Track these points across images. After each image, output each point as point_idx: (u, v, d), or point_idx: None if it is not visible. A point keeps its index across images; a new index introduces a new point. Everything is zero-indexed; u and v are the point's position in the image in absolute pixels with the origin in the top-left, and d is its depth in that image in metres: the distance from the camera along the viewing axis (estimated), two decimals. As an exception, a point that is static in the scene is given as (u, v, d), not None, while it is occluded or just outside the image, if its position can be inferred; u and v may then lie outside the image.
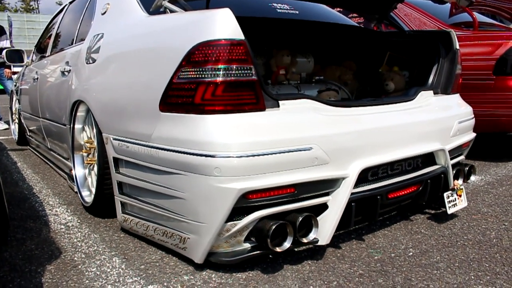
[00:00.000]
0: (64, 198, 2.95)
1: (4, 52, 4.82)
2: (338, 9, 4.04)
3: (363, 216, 2.07)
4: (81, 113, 2.69)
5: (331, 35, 3.21)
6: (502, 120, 3.63)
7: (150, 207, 1.97)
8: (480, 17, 4.49)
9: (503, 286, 1.73)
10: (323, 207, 1.90)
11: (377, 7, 3.17)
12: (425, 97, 2.39)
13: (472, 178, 2.55)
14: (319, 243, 1.88)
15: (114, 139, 2.13)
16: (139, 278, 1.81)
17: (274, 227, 1.69)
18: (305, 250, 2.04)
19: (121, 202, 2.19)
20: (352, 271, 1.86)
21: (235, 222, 1.72)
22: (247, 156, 1.63)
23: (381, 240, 2.18)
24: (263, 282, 1.76)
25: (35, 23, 25.34)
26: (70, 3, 3.75)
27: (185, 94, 1.72)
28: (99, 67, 2.38)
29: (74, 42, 3.07)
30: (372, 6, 3.18)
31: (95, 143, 2.42)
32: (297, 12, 3.08)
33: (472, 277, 1.80)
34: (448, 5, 4.18)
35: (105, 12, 2.59)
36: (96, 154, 2.43)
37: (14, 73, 6.42)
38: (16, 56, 4.79)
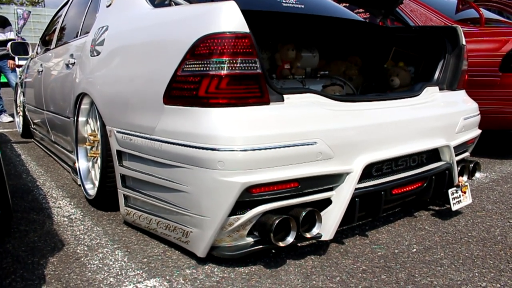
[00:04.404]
0: (68, 191, 2.95)
1: (9, 44, 4.82)
2: (344, 4, 4.01)
3: (367, 211, 2.06)
4: (85, 106, 2.69)
5: (336, 30, 3.19)
6: (507, 117, 3.61)
7: (153, 200, 1.97)
8: (486, 13, 4.45)
9: (508, 283, 1.72)
10: (327, 202, 1.89)
11: (383, 2, 3.14)
12: (431, 93, 2.37)
13: (477, 175, 2.53)
14: (322, 238, 1.87)
15: (118, 132, 2.12)
16: (141, 271, 1.81)
17: (277, 221, 1.68)
18: (308, 245, 2.03)
19: (124, 195, 2.19)
20: (355, 266, 1.85)
21: (238, 216, 1.71)
22: (251, 150, 1.62)
23: (385, 236, 2.17)
24: (266, 276, 1.76)
25: (40, 16, 25.34)
26: (75, -5, 3.74)
27: (189, 87, 1.71)
28: (104, 59, 2.37)
29: (78, 34, 3.07)
30: (378, 1, 3.16)
31: (99, 136, 2.42)
32: (302, 6, 3.05)
33: (476, 274, 1.79)
34: (455, 1, 4.14)
35: (110, 5, 2.58)
36: (99, 147, 2.42)
37: (19, 66, 6.43)
38: (21, 48, 4.80)
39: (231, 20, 1.67)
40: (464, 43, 2.56)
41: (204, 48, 1.67)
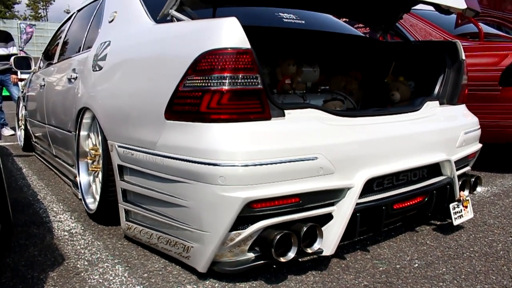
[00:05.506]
0: (68, 205, 2.95)
1: (12, 58, 4.86)
2: (344, 19, 4.05)
3: (368, 226, 2.06)
4: (86, 120, 2.70)
5: (336, 45, 3.21)
6: (508, 131, 3.61)
7: (154, 215, 1.96)
8: (486, 28, 4.49)
9: (510, 299, 1.71)
10: (328, 217, 1.88)
11: (383, 18, 3.17)
12: (431, 107, 2.38)
13: (478, 189, 2.52)
14: (323, 254, 1.86)
15: (119, 146, 2.13)
16: (142, 286, 1.80)
17: (278, 237, 1.68)
18: (309, 261, 2.02)
19: (125, 209, 2.18)
20: (356, 282, 1.84)
21: (239, 231, 1.71)
22: (252, 165, 1.62)
23: (386, 251, 2.16)
24: (267, 292, 1.75)
25: (43, 30, 25.56)
26: (78, 11, 3.78)
27: (190, 102, 1.72)
28: (106, 74, 2.39)
29: (81, 49, 3.09)
30: (378, 17, 3.19)
31: (100, 150, 2.43)
32: (303, 22, 3.08)
33: (479, 290, 1.77)
34: (454, 16, 4.17)
35: (112, 20, 2.61)
36: (101, 161, 2.43)
37: (22, 79, 6.48)
38: (23, 63, 4.84)
39: (232, 36, 1.69)
40: (463, 57, 2.57)
41: (206, 63, 1.69)
